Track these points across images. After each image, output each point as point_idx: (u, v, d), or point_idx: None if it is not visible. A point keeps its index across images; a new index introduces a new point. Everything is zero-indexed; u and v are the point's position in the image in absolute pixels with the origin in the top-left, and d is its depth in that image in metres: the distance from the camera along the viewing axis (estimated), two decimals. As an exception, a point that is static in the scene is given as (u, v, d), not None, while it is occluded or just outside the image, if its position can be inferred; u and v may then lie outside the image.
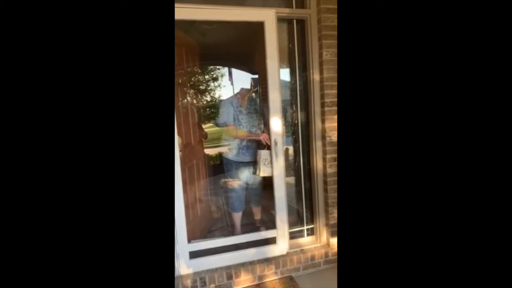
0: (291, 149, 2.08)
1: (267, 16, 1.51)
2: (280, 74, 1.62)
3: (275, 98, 1.62)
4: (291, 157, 2.07)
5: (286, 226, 1.72)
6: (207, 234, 2.13)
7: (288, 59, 1.83)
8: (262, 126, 2.04)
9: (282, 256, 1.71)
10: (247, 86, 2.35)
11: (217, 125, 2.27)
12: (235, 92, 2.15)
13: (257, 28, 1.60)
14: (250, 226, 2.17)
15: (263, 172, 1.84)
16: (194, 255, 1.61)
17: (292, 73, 1.82)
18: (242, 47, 3.07)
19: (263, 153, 1.84)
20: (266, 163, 1.82)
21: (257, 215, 2.16)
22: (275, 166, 1.67)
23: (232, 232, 2.05)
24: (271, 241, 1.73)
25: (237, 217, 2.04)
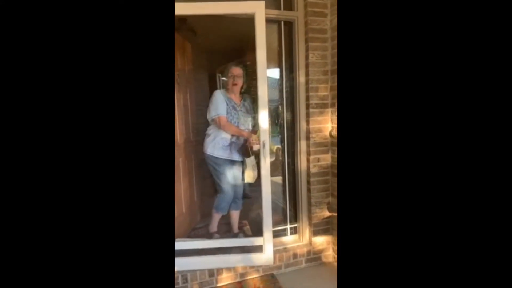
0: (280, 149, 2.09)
1: (257, 8, 1.51)
2: (266, 67, 1.58)
3: (263, 92, 1.57)
4: (281, 157, 2.05)
5: (271, 232, 1.67)
6: (191, 232, 2.14)
7: (274, 60, 1.85)
8: (250, 125, 1.94)
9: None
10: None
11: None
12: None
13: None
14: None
15: (249, 177, 1.84)
16: (176, 253, 1.61)
17: (279, 74, 1.85)
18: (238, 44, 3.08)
19: (249, 160, 1.83)
20: (254, 168, 1.83)
21: (235, 223, 2.01)
22: (263, 168, 1.62)
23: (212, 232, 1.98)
24: (257, 248, 1.69)
25: (218, 217, 1.96)
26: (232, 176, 1.90)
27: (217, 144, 1.84)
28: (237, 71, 1.83)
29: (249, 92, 2.09)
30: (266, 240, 1.67)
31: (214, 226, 1.97)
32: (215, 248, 1.70)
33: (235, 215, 2.02)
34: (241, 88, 1.88)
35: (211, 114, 1.82)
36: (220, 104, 1.80)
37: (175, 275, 1.56)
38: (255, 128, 1.90)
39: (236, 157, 1.89)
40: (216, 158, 1.85)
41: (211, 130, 1.87)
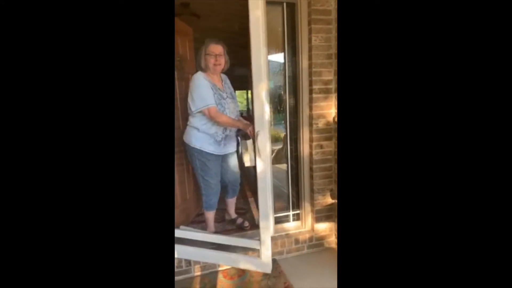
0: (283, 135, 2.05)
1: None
2: (263, 29, 1.29)
3: (258, 62, 1.24)
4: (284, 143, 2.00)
5: (269, 238, 1.49)
6: (195, 217, 2.17)
7: (277, 44, 1.79)
8: (238, 112, 1.75)
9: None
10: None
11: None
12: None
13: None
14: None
15: (249, 160, 1.72)
16: (178, 240, 1.64)
17: (282, 58, 1.79)
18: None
19: (249, 141, 1.70)
20: (253, 150, 1.68)
21: (232, 208, 1.95)
22: (259, 165, 1.37)
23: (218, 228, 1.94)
24: (257, 251, 1.56)
25: (212, 215, 1.82)
26: (225, 169, 1.77)
27: (207, 139, 1.61)
28: (218, 49, 1.57)
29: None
30: (264, 246, 1.49)
31: (211, 226, 1.85)
32: (216, 243, 1.68)
33: (231, 202, 1.96)
34: (223, 69, 1.65)
35: (197, 104, 1.53)
36: (206, 91, 1.52)
37: (178, 260, 1.60)
38: (250, 114, 1.82)
39: (231, 149, 1.73)
40: (207, 153, 1.63)
41: (197, 123, 1.60)
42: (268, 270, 1.53)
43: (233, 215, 1.98)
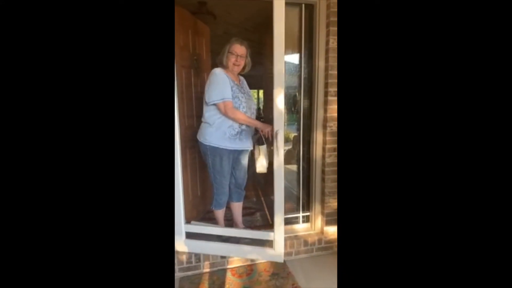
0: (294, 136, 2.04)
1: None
2: (284, 43, 1.39)
3: (279, 71, 1.36)
4: (296, 145, 1.99)
5: (282, 230, 1.56)
6: (206, 214, 2.20)
7: (294, 46, 1.79)
8: (255, 110, 1.74)
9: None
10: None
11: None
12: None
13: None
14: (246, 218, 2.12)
15: (261, 167, 1.69)
16: (190, 235, 1.66)
17: (298, 60, 1.80)
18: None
19: (262, 147, 1.68)
20: (267, 157, 1.68)
21: (239, 216, 1.84)
22: (275, 162, 1.45)
23: (229, 224, 1.92)
24: (270, 243, 1.61)
25: (222, 213, 1.79)
26: (236, 167, 1.73)
27: (223, 135, 1.59)
28: (241, 50, 1.58)
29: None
30: (277, 238, 1.56)
31: (222, 224, 1.82)
32: (227, 236, 1.69)
33: (237, 207, 1.82)
34: (242, 69, 1.66)
35: (213, 97, 1.53)
36: (225, 86, 1.53)
37: (188, 255, 1.63)
38: (261, 113, 1.82)
39: (246, 145, 1.68)
40: (220, 150, 1.60)
41: (212, 118, 1.59)
42: (280, 260, 1.57)
43: (241, 225, 1.86)
